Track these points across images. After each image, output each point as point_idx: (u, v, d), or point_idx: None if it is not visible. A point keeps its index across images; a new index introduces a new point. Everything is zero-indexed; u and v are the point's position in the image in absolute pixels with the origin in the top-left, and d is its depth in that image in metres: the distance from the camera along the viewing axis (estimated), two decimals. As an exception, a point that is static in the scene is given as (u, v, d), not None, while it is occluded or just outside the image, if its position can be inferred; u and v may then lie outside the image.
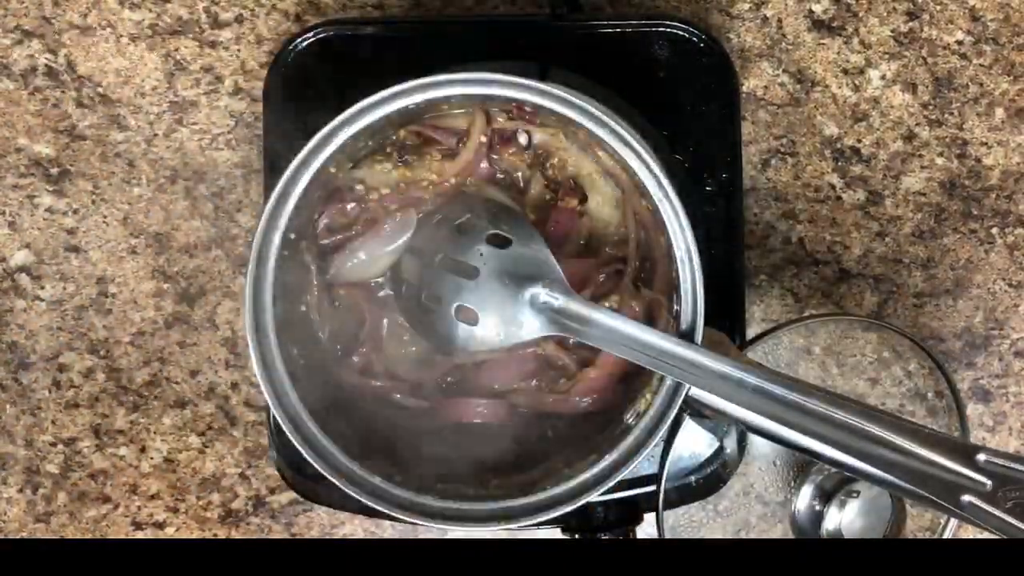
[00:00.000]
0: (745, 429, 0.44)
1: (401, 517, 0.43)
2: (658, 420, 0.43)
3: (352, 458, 0.44)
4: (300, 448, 0.43)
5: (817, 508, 0.52)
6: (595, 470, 0.43)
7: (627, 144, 0.42)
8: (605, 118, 0.42)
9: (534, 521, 0.43)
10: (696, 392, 0.43)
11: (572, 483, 0.43)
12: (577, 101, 0.42)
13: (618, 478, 0.43)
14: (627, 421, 0.44)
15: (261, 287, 0.44)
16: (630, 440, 0.43)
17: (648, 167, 0.42)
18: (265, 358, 0.44)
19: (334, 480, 0.43)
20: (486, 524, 0.43)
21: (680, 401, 0.43)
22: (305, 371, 0.45)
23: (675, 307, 0.44)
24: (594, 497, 0.43)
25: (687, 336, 0.42)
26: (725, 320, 0.50)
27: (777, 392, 0.42)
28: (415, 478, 0.44)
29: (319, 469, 0.43)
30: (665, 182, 0.42)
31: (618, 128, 0.42)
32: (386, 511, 0.43)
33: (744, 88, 0.55)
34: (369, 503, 0.43)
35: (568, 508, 0.43)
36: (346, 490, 0.43)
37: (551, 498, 0.43)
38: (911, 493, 0.41)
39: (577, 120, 0.42)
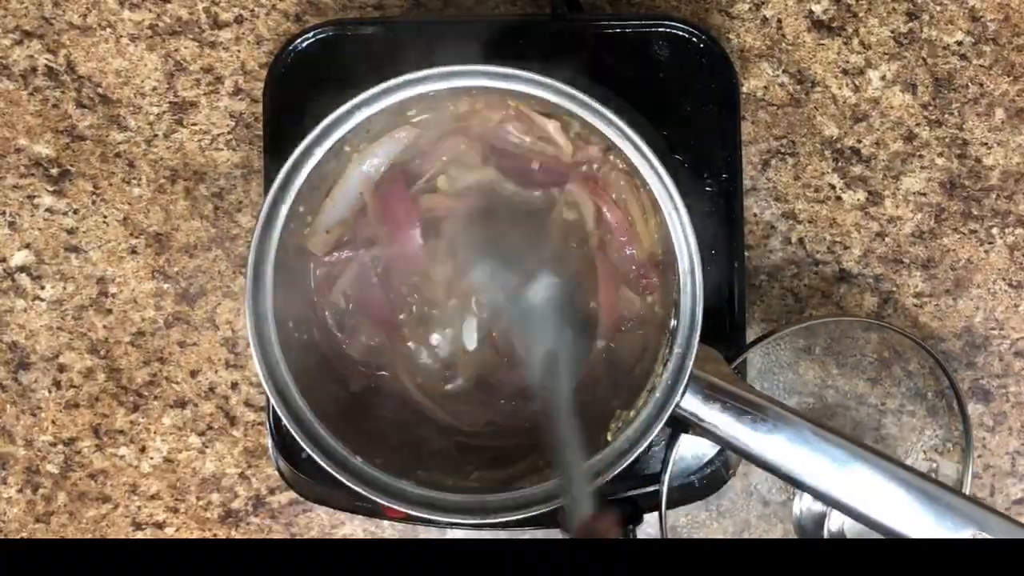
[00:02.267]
0: (731, 452, 0.44)
1: (378, 499, 0.43)
2: (641, 433, 0.43)
3: (336, 436, 0.44)
4: (281, 415, 0.44)
5: (819, 509, 0.52)
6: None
7: (640, 151, 0.42)
8: (620, 123, 0.42)
9: (509, 518, 0.43)
10: (684, 408, 0.43)
11: (550, 484, 0.43)
12: (601, 109, 0.42)
13: (594, 487, 0.43)
14: (611, 429, 0.44)
15: (262, 273, 0.44)
16: (609, 450, 0.43)
17: (660, 178, 0.42)
18: (261, 334, 0.44)
19: (312, 454, 0.43)
20: (462, 516, 0.43)
21: (666, 416, 0.43)
22: (300, 350, 0.45)
23: (672, 322, 0.44)
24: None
25: (681, 355, 0.43)
26: (725, 320, 0.50)
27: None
28: (396, 463, 0.44)
29: (298, 439, 0.44)
30: (676, 195, 0.42)
31: (632, 135, 0.42)
32: (364, 492, 0.43)
33: (744, 88, 0.55)
34: (348, 483, 0.43)
35: (543, 508, 0.43)
36: (324, 466, 0.43)
37: (527, 497, 0.43)
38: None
39: (596, 125, 0.42)
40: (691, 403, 0.43)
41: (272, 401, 0.44)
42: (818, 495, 0.42)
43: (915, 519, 0.40)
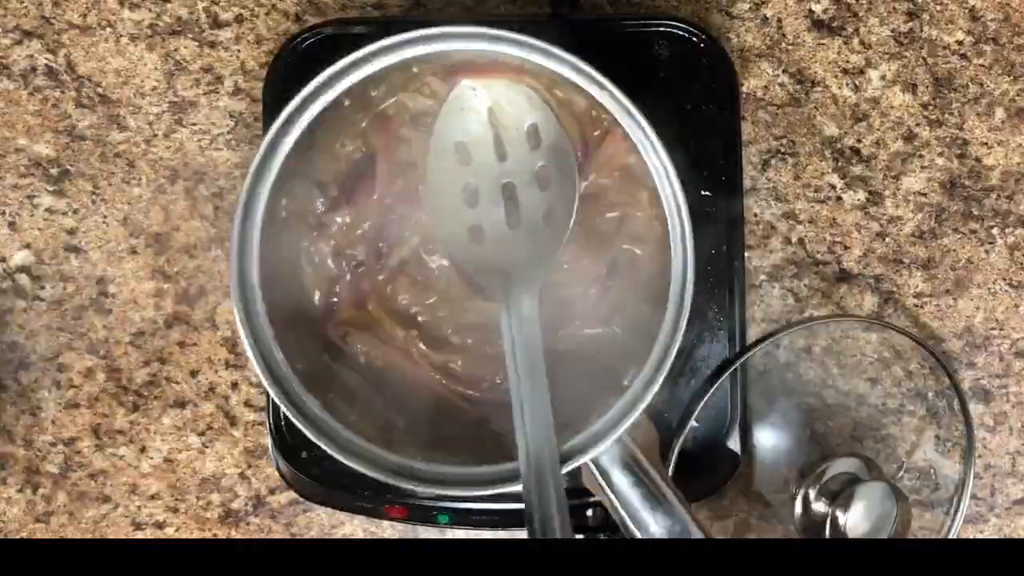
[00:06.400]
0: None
1: (392, 482, 0.43)
2: (654, 372, 0.43)
3: (341, 422, 0.44)
4: (287, 411, 0.43)
5: (820, 510, 0.52)
6: (594, 428, 0.43)
7: (633, 118, 0.42)
8: (608, 84, 0.42)
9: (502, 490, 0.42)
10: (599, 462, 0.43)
11: (571, 443, 0.43)
12: (585, 67, 0.42)
13: (615, 436, 0.42)
14: (624, 382, 0.44)
15: (247, 245, 0.44)
16: (628, 396, 0.43)
17: (652, 144, 0.42)
18: (251, 316, 0.44)
19: (320, 443, 0.43)
20: (484, 488, 0.43)
21: (674, 352, 0.42)
22: (294, 332, 0.45)
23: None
24: (591, 455, 0.43)
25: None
26: (725, 320, 0.50)
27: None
28: (404, 441, 0.44)
29: (305, 431, 0.43)
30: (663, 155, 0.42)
31: (627, 103, 0.42)
32: (378, 477, 0.43)
33: (744, 88, 0.55)
34: (357, 467, 0.43)
35: (567, 468, 0.43)
36: (333, 453, 0.43)
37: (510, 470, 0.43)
38: None
39: (582, 85, 0.42)
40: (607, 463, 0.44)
41: (277, 398, 0.44)
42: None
43: None
